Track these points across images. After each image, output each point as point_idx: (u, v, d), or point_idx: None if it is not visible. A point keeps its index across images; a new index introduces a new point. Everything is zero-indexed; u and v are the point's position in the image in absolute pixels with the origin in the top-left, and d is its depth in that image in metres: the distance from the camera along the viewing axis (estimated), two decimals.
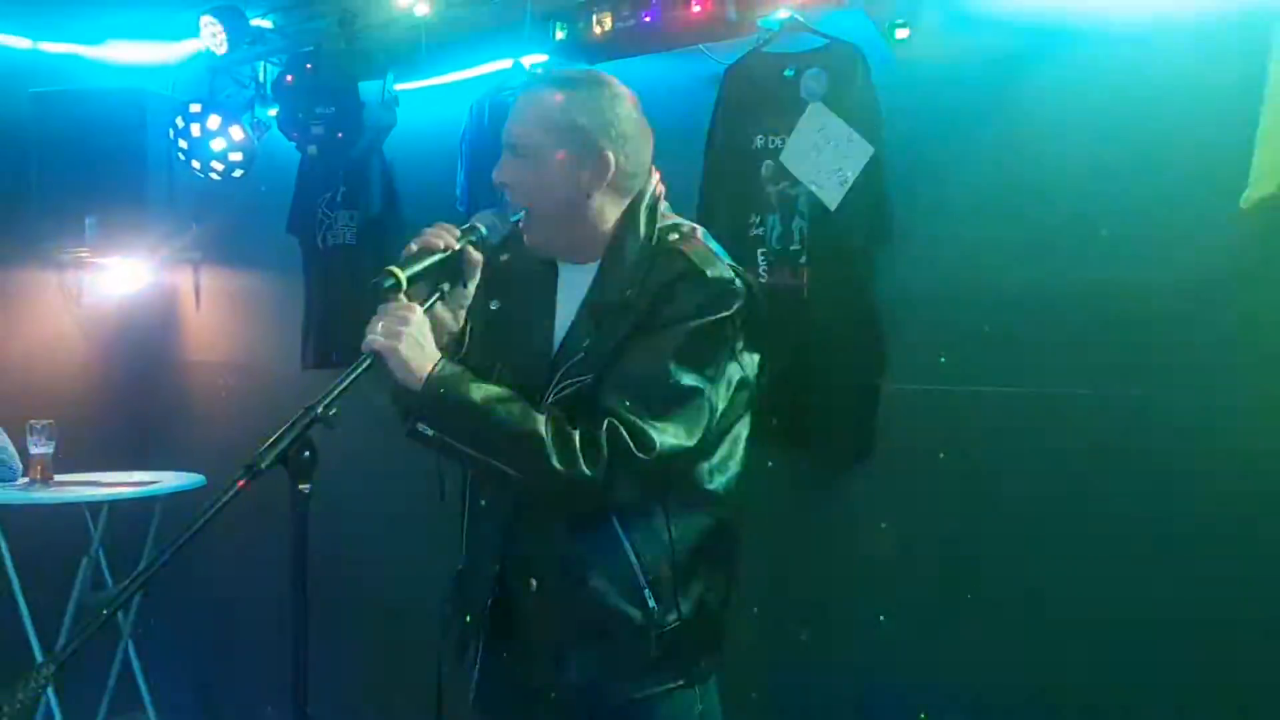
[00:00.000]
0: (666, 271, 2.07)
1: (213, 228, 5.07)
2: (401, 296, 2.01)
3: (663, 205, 2.22)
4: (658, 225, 2.17)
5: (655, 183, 2.22)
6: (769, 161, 3.30)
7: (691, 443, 2.03)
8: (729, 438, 2.15)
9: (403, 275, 1.99)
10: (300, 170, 4.57)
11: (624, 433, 1.96)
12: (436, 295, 2.09)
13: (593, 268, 2.16)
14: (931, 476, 3.13)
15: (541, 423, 1.97)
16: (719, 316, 2.05)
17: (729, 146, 3.37)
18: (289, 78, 4.34)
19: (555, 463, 1.95)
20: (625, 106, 2.17)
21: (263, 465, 1.75)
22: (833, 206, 3.17)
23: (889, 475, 3.21)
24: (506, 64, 3.95)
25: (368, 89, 4.19)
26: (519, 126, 2.14)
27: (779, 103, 3.26)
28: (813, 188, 3.20)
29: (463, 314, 2.19)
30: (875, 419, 3.21)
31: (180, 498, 4.46)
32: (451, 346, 2.15)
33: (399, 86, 4.27)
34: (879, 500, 3.23)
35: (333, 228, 4.49)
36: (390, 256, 2.09)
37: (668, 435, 1.99)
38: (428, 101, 4.32)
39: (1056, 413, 2.95)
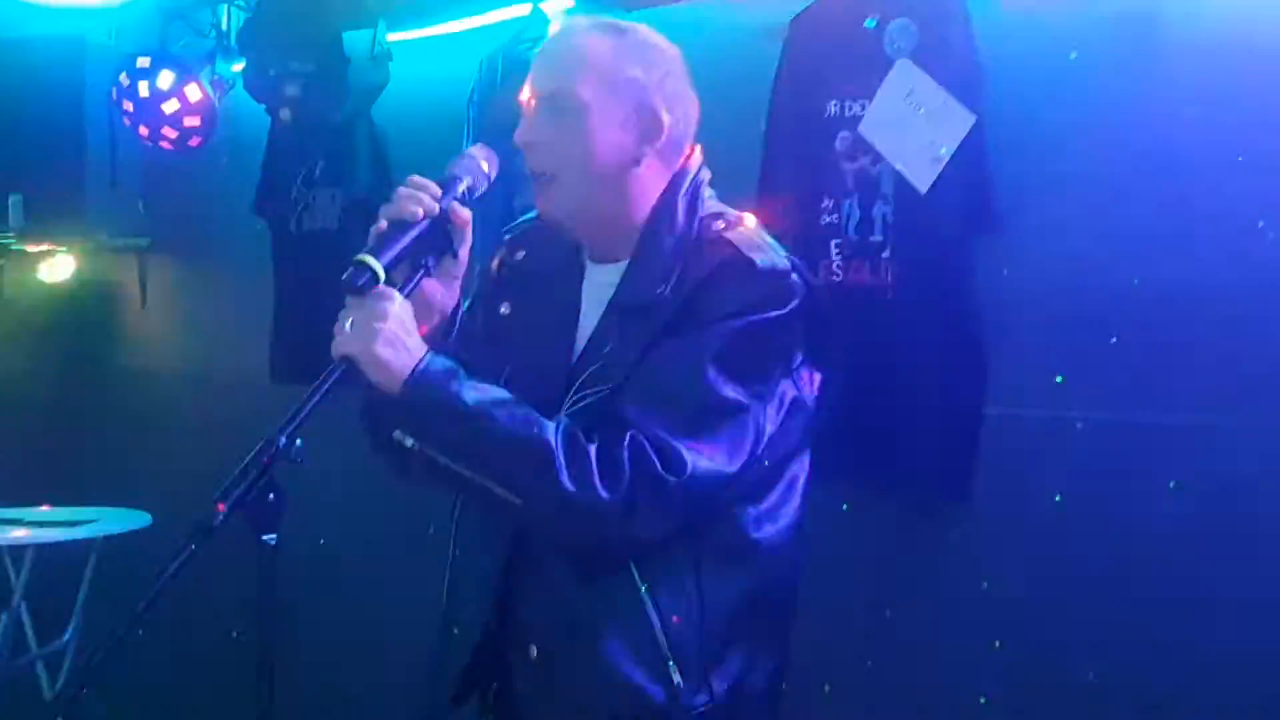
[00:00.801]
0: (706, 261, 2.11)
1: (163, 208, 5.17)
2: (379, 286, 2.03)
3: (706, 192, 2.26)
4: (700, 212, 2.22)
5: (699, 165, 2.27)
6: (845, 133, 3.35)
7: (731, 468, 2.05)
8: (783, 480, 2.18)
9: (378, 265, 2.00)
10: (271, 139, 4.67)
11: (649, 450, 1.98)
12: (420, 272, 2.11)
13: (621, 267, 2.21)
14: (1045, 526, 3.16)
15: (551, 431, 1.99)
16: (769, 316, 2.07)
17: (796, 114, 3.42)
18: (258, 26, 4.44)
19: (566, 481, 1.96)
20: (673, 61, 2.25)
21: (215, 523, 1.78)
22: (924, 188, 3.22)
23: (992, 524, 3.24)
24: (524, 10, 4.03)
25: (354, 40, 4.27)
26: (559, 75, 2.19)
27: (858, 60, 3.32)
28: (899, 165, 3.25)
29: (457, 286, 2.21)
30: (975, 453, 3.24)
31: (121, 541, 4.55)
32: (443, 329, 2.18)
33: (393, 37, 4.34)
34: (979, 555, 3.26)
35: (310, 209, 4.59)
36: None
37: (702, 457, 2.01)
38: (428, 55, 4.40)
39: (1206, 448, 2.97)
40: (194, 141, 4.70)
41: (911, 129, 3.22)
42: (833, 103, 3.38)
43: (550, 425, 2.01)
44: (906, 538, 3.38)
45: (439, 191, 2.11)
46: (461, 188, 2.14)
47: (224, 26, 4.74)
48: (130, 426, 5.36)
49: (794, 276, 2.12)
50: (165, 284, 5.34)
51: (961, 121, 3.17)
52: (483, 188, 2.19)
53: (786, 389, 2.13)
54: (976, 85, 3.20)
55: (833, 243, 3.37)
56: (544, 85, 2.20)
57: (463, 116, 4.13)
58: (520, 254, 2.34)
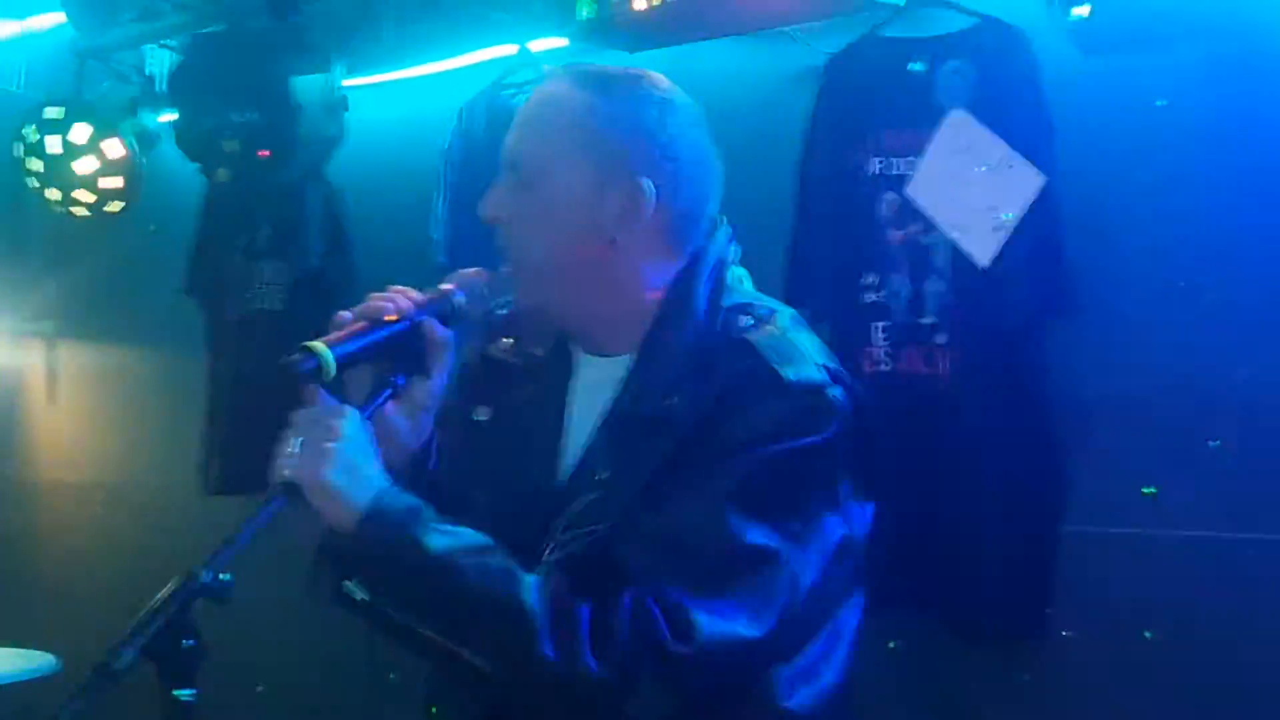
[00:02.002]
0: (728, 372, 2.08)
1: (76, 286, 5.24)
2: (320, 392, 2.04)
3: (735, 274, 2.27)
4: (724, 303, 2.20)
5: (725, 241, 2.27)
6: (891, 195, 3.43)
7: (756, 632, 2.00)
8: (826, 629, 2.15)
9: (329, 355, 2.01)
10: (206, 203, 4.75)
11: (654, 612, 1.95)
12: (386, 392, 2.13)
13: (624, 362, 2.20)
14: (1135, 667, 3.18)
15: (531, 588, 1.98)
16: (803, 443, 2.05)
17: (832, 173, 3.51)
18: (191, 69, 4.51)
19: (547, 650, 1.94)
20: (680, 120, 2.23)
21: (119, 665, 1.74)
22: (985, 262, 3.28)
23: (1071, 665, 3.26)
24: (510, 50, 4.13)
25: (306, 86, 4.34)
26: (522, 136, 2.22)
27: (904, 110, 3.41)
28: (954, 234, 3.32)
29: (427, 420, 2.23)
30: (1049, 579, 3.27)
31: (21, 689, 4.53)
32: (409, 470, 2.18)
33: (351, 82, 4.43)
34: (1055, 702, 3.28)
35: (252, 287, 4.64)
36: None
37: (720, 620, 1.97)
38: (393, 103, 4.50)
39: None
40: (113, 207, 4.75)
41: (969, 191, 3.29)
42: (876, 160, 3.46)
43: (531, 581, 2.00)
44: (968, 682, 3.40)
45: (422, 299, 2.15)
46: (448, 304, 2.17)
47: (151, 70, 4.81)
48: (34, 548, 5.36)
49: (833, 392, 2.11)
50: (78, 377, 5.37)
51: (1028, 182, 3.23)
52: (478, 312, 2.22)
53: (833, 526, 2.10)
54: (1046, 139, 3.27)
55: (877, 326, 3.43)
56: (508, 151, 2.23)
57: (436, 176, 4.21)
58: (506, 342, 2.35)
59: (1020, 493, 3.30)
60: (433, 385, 2.19)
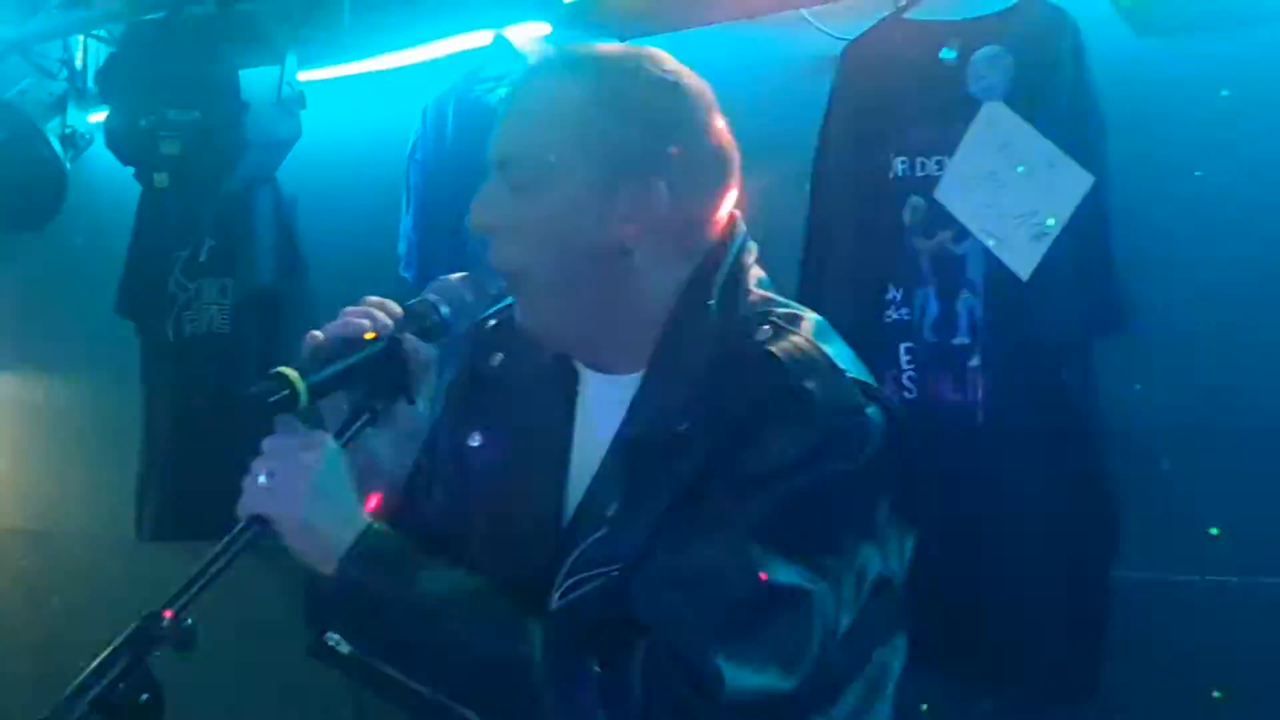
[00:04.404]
0: (748, 390, 2.06)
1: None
2: (295, 421, 2.03)
3: (753, 276, 2.25)
4: (741, 310, 2.20)
5: (741, 239, 2.26)
6: (917, 199, 3.39)
7: (787, 682, 2.00)
8: (866, 674, 2.16)
9: (301, 384, 2.01)
10: (141, 213, 4.73)
11: (672, 664, 1.95)
12: (364, 417, 2.12)
13: (633, 381, 2.20)
14: None
15: (535, 639, 1.98)
16: (834, 470, 2.04)
17: (851, 175, 3.47)
18: (124, 62, 4.48)
19: (554, 711, 1.94)
20: (691, 104, 2.21)
21: None
22: (1025, 274, 3.24)
23: None
24: (484, 39, 4.10)
25: (254, 80, 4.31)
26: (514, 133, 2.20)
27: (933, 103, 3.36)
28: (990, 243, 3.27)
29: (412, 449, 2.24)
30: (1101, 633, 3.22)
31: None
32: (392, 502, 2.19)
33: (306, 75, 4.40)
34: None
35: (193, 307, 4.63)
36: (287, 354, 2.12)
37: (747, 670, 1.96)
38: (353, 100, 4.49)
39: None
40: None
41: (1007, 194, 3.25)
42: (900, 159, 3.42)
43: (535, 630, 1.99)
44: None
45: (399, 312, 2.14)
46: (432, 318, 2.17)
47: (79, 64, 4.80)
48: None
49: (870, 410, 2.09)
50: None
51: (1074, 183, 3.19)
52: (463, 325, 2.23)
53: (868, 560, 2.10)
54: (1095, 134, 3.23)
55: (902, 347, 3.39)
56: (498, 148, 2.20)
57: (401, 181, 4.19)
58: (497, 358, 2.33)
59: (1067, 536, 3.25)
60: (416, 409, 2.19)
